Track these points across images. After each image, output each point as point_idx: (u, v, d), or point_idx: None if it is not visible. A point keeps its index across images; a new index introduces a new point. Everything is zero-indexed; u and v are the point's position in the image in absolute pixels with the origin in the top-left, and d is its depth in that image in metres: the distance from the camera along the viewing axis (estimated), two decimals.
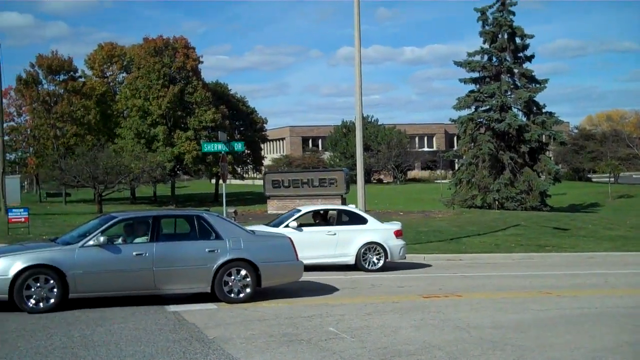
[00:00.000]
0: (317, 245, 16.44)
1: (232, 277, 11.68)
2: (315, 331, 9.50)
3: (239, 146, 24.32)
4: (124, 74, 66.65)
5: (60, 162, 45.82)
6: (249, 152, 64.73)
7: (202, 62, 60.97)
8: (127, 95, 59.82)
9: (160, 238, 11.47)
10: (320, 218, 17.46)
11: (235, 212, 24.27)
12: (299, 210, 17.42)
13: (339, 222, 17.10)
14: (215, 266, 11.54)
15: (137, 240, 11.57)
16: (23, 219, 24.56)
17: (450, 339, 9.09)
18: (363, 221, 17.04)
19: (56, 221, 32.40)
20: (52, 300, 10.73)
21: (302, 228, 16.62)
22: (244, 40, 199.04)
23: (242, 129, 66.68)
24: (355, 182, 23.61)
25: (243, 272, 11.71)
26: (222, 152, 22.48)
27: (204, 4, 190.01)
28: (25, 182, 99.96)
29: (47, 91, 62.38)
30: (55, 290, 10.76)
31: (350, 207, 18.42)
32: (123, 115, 62.75)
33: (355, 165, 22.47)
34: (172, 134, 57.16)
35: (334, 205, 18.01)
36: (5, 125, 50.78)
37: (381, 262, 16.81)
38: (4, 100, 47.54)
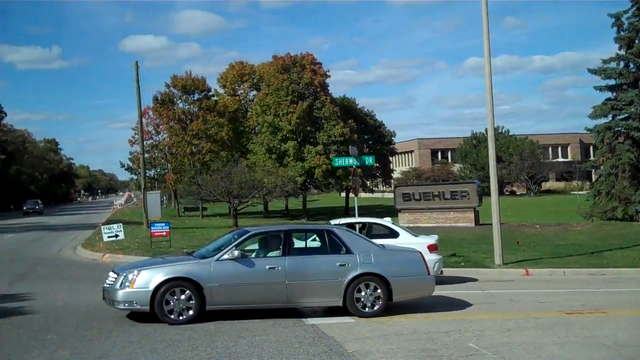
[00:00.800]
0: None
1: (363, 292, 11.70)
2: (455, 347, 9.32)
3: (369, 160, 24.44)
4: (254, 92, 69.15)
5: (197, 178, 48.20)
6: (378, 165, 64.88)
7: (329, 77, 61.93)
8: (257, 112, 61.96)
9: (291, 252, 11.69)
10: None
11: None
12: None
13: (370, 236, 16.01)
14: (346, 280, 11.60)
15: (270, 254, 11.84)
16: (164, 233, 25.32)
17: (597, 357, 8.64)
18: (394, 235, 16.66)
19: (194, 235, 34.04)
20: (190, 312, 11.10)
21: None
22: (369, 55, 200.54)
23: (370, 142, 67.01)
24: (487, 194, 22.98)
25: (374, 287, 11.71)
26: (354, 166, 22.68)
27: (328, 20, 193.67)
28: (165, 197, 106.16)
29: (183, 110, 65.78)
30: (193, 302, 11.08)
31: (385, 221, 17.81)
32: (254, 131, 65.02)
33: (487, 177, 21.87)
34: (302, 149, 58.38)
35: (367, 219, 17.60)
36: (145, 143, 53.82)
37: None
38: (143, 120, 50.33)
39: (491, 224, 21.02)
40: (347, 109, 64.71)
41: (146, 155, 56.64)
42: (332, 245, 11.98)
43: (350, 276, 11.62)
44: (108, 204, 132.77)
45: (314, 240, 12.79)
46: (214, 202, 49.14)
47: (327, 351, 9.10)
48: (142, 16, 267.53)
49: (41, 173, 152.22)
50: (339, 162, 24.06)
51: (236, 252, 11.39)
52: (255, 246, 12.25)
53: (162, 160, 69.39)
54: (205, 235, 33.06)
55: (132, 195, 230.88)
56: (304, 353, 8.99)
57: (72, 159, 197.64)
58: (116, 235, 24.97)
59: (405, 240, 16.30)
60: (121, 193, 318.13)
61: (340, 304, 11.67)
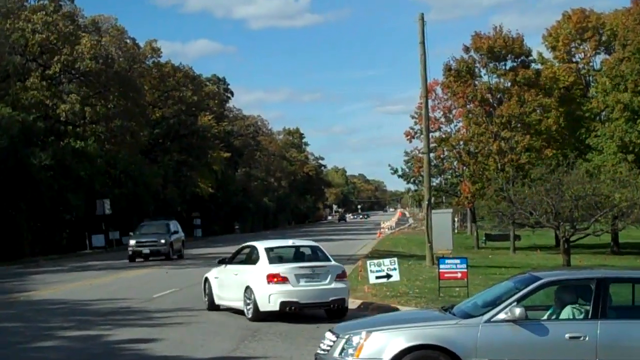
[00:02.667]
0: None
1: None
2: None
3: None
4: (602, 56, 67.95)
5: (508, 190, 48.78)
6: None
7: None
8: (606, 87, 60.84)
9: (608, 313, 11.56)
10: None
11: None
12: None
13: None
14: None
15: (572, 314, 11.82)
16: (459, 274, 25.61)
17: None
18: (254, 260, 21.76)
19: (503, 278, 34.74)
20: None
21: None
22: None
23: None
24: None
25: None
26: None
27: None
28: (457, 219, 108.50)
29: (488, 85, 66.73)
30: None
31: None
32: (599, 118, 64.04)
33: None
34: None
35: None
36: (430, 136, 55.42)
37: (250, 311, 21.72)
38: (429, 102, 51.70)
39: None
40: None
41: (432, 154, 58.45)
42: None
43: None
44: (372, 225, 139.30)
45: None
46: (533, 227, 49.37)
47: None
48: None
49: (278, 179, 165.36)
50: None
51: (517, 311, 11.46)
52: (550, 301, 12.34)
53: (455, 163, 71.10)
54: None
55: (407, 214, 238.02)
56: None
57: (321, 158, 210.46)
58: (388, 276, 26.08)
59: (259, 267, 22.51)
60: (391, 210, 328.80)
61: None
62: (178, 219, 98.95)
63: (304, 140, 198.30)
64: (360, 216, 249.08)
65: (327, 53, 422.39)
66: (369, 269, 26.29)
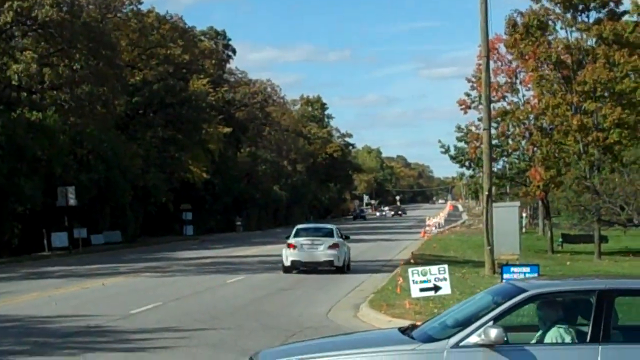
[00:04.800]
0: None
1: None
2: None
3: None
4: None
5: (593, 178, 48.66)
6: None
7: None
8: None
9: (613, 335, 11.51)
10: None
11: None
12: None
13: None
14: None
15: (567, 336, 11.70)
16: None
17: None
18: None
19: None
20: None
21: None
22: None
23: None
24: None
25: None
26: None
27: None
28: (524, 213, 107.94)
29: (566, 43, 66.44)
30: None
31: None
32: None
33: None
34: None
35: None
36: (492, 107, 55.37)
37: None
38: (490, 63, 51.36)
39: None
40: None
41: (493, 130, 58.16)
42: None
43: None
44: (415, 221, 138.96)
45: None
46: (625, 226, 49.27)
47: None
48: None
49: (293, 161, 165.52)
50: None
51: (494, 333, 11.26)
52: (539, 318, 12.19)
53: (523, 142, 70.81)
54: None
55: (460, 208, 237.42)
56: None
57: (349, 135, 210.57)
58: (435, 288, 26.12)
59: None
60: (441, 201, 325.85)
61: None
62: (163, 213, 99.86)
63: (327, 113, 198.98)
64: (385, 212, 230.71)
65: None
66: (411, 278, 26.20)
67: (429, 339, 11.76)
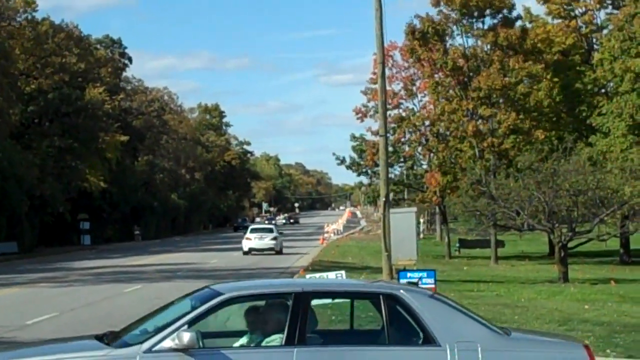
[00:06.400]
0: None
1: None
2: None
3: None
4: (608, 10, 68.57)
5: (488, 183, 49.15)
6: None
7: None
8: (612, 52, 61.48)
9: (309, 339, 11.61)
10: None
11: None
12: None
13: None
14: None
15: (266, 339, 11.79)
16: None
17: None
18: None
19: (482, 297, 35.04)
20: None
21: None
22: None
23: None
24: None
25: None
26: None
27: None
28: (424, 220, 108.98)
29: (462, 49, 67.21)
30: None
31: None
32: (605, 90, 64.70)
33: None
34: None
35: None
36: (389, 114, 55.96)
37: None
38: (386, 70, 51.74)
39: None
40: None
41: (390, 137, 58.47)
42: (399, 325, 11.90)
43: None
44: (313, 228, 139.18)
45: (376, 312, 12.57)
46: (520, 231, 49.82)
47: None
48: None
49: (191, 169, 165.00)
50: None
51: (186, 337, 11.26)
52: (242, 322, 12.39)
53: (419, 149, 71.45)
54: (501, 298, 33.78)
55: (358, 214, 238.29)
56: None
57: (248, 143, 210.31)
58: None
59: None
60: (342, 208, 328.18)
61: None
62: (60, 223, 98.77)
63: (225, 120, 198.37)
64: (273, 220, 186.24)
65: (256, 6, 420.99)
66: None
67: (124, 344, 11.67)
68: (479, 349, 11.67)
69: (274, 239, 74.67)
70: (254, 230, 78.15)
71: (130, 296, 38.54)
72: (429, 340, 11.66)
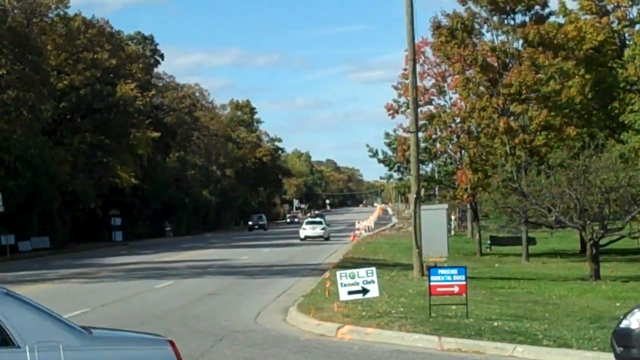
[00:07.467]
0: None
1: None
2: None
3: None
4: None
5: (519, 180, 48.84)
6: None
7: None
8: None
9: None
10: None
11: None
12: None
13: None
14: None
15: None
16: (456, 289, 25.50)
17: None
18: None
19: (512, 293, 34.79)
20: None
21: None
22: None
23: None
24: None
25: None
26: None
27: None
28: (453, 216, 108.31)
29: (491, 45, 66.67)
30: None
31: None
32: (637, 87, 64.24)
33: None
34: None
35: None
36: (419, 110, 55.56)
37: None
38: (417, 66, 51.37)
39: None
40: None
41: (421, 134, 58.15)
42: None
43: None
44: (344, 225, 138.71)
45: None
46: (552, 228, 49.51)
47: None
48: None
49: (222, 166, 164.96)
50: None
51: None
52: None
53: (450, 145, 70.99)
54: (532, 295, 33.57)
55: (389, 211, 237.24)
56: None
57: (279, 140, 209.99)
58: (364, 291, 25.95)
59: None
60: (375, 205, 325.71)
61: None
62: (92, 219, 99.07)
63: (256, 117, 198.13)
64: (296, 217, 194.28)
65: (286, 3, 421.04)
66: (339, 281, 26.17)
67: None
68: (61, 348, 11.47)
69: (323, 229, 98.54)
70: (308, 223, 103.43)
71: (161, 292, 38.61)
72: (7, 341, 11.27)
